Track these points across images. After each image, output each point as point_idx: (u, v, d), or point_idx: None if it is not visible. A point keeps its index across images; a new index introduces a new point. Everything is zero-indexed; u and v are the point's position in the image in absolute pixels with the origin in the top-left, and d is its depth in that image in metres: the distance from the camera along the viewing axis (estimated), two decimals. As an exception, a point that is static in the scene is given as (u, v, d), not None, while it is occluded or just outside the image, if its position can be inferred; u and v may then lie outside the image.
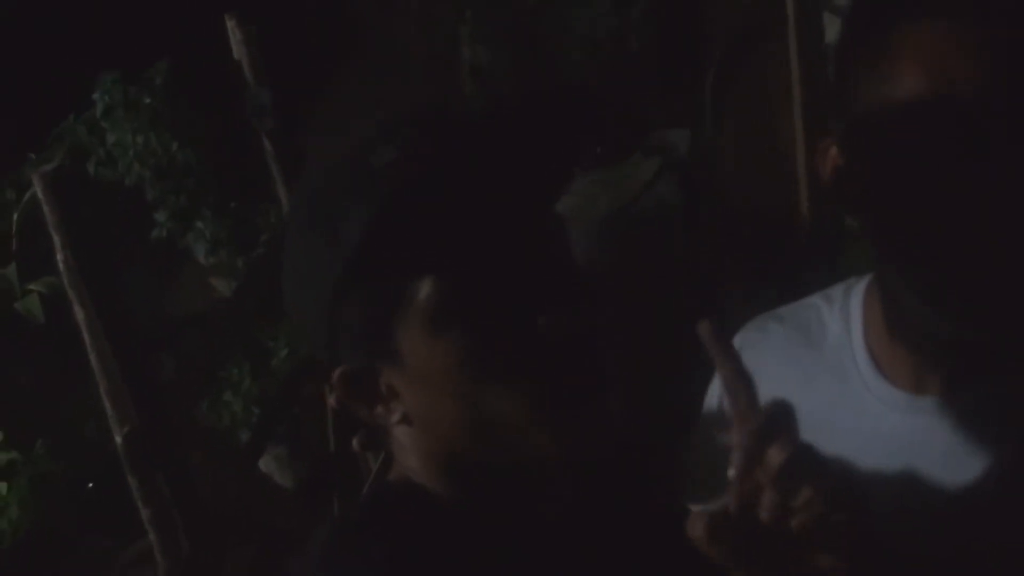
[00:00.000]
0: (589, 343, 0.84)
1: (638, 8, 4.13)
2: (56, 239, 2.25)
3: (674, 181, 4.05)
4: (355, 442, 0.93)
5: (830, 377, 1.03)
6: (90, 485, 3.41)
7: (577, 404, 0.84)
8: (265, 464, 3.26)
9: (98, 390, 2.48)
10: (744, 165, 3.61)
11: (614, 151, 4.07)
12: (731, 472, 0.81)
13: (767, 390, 1.07)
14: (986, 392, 0.96)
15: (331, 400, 0.88)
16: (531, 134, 0.86)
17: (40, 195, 2.22)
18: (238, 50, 3.13)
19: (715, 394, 1.16)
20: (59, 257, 2.28)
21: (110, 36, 3.33)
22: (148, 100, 3.10)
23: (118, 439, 2.42)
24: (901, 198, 0.87)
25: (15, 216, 3.25)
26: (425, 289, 0.80)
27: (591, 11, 4.25)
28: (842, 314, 1.05)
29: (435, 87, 4.63)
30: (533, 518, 0.91)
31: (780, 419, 0.81)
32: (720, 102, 3.56)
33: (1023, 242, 0.84)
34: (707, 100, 3.58)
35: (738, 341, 1.14)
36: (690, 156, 4.02)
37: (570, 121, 0.89)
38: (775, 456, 0.78)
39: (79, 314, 2.33)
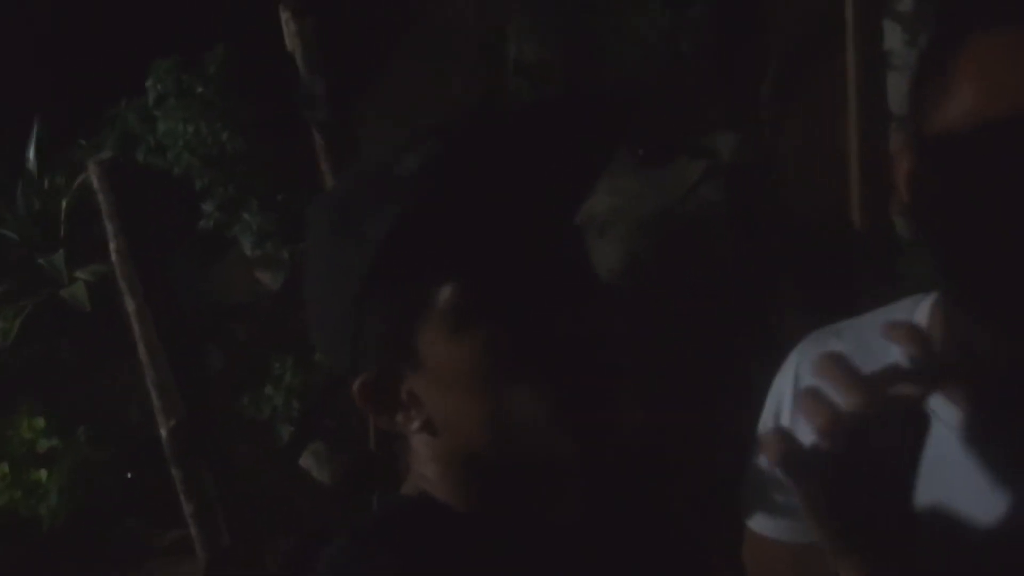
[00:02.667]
0: (609, 344, 0.84)
1: (693, 10, 4.09)
2: (109, 228, 2.25)
3: (719, 185, 4.02)
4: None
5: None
6: (129, 475, 3.41)
7: (597, 405, 0.84)
8: (303, 459, 3.24)
9: (144, 380, 2.47)
10: (799, 171, 3.57)
11: (659, 152, 4.04)
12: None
13: None
14: None
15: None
16: (555, 138, 0.84)
17: (95, 184, 2.21)
18: (291, 41, 3.11)
19: (771, 414, 1.14)
20: (112, 246, 2.27)
21: (163, 22, 3.32)
22: (201, 88, 3.09)
23: (163, 432, 2.41)
24: (964, 212, 0.86)
25: (63, 202, 3.26)
26: (445, 293, 0.80)
27: (644, 11, 4.21)
28: None
29: (482, 84, 4.62)
30: (547, 529, 0.90)
31: None
32: (777, 107, 3.52)
33: None
34: (764, 104, 3.53)
35: (796, 355, 1.13)
36: (737, 160, 3.99)
37: (597, 125, 0.88)
38: None
39: (129, 304, 2.33)
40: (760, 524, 1.17)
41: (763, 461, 1.15)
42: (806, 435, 1.07)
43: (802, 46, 3.44)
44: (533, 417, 0.82)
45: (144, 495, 3.37)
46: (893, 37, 3.31)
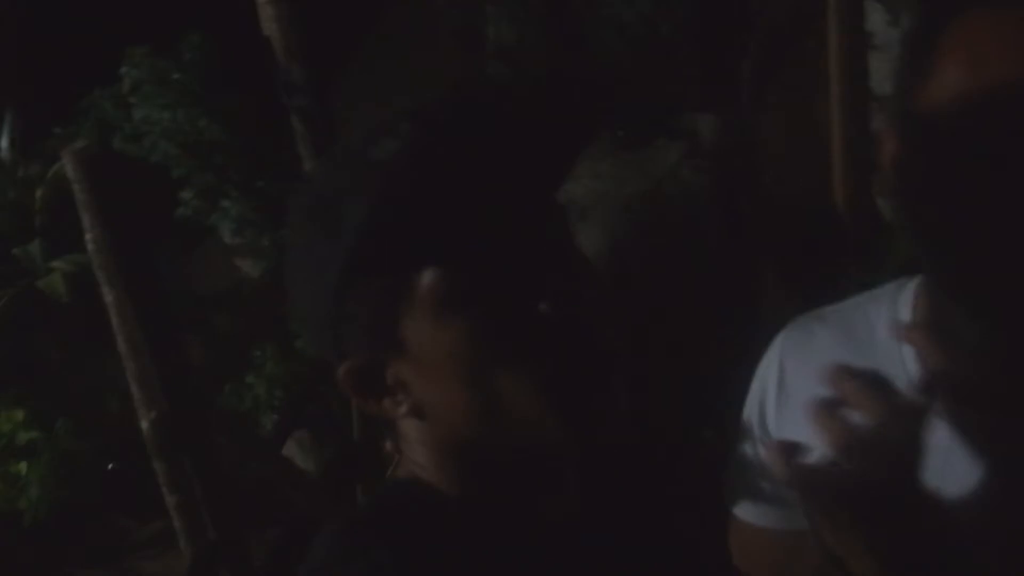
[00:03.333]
0: (594, 327, 0.84)
1: (673, -10, 4.07)
2: (85, 219, 2.22)
3: (700, 166, 4.02)
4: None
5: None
6: (111, 466, 3.39)
7: (583, 388, 0.83)
8: (287, 448, 3.23)
9: (124, 372, 2.45)
10: (781, 153, 3.56)
11: (638, 135, 4.04)
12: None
13: (812, 392, 1.05)
14: None
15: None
16: (533, 120, 0.85)
17: (70, 174, 2.18)
18: (268, 27, 3.07)
19: (755, 400, 1.13)
20: (88, 237, 2.24)
21: (138, 8, 3.28)
22: (177, 75, 3.05)
23: (144, 424, 2.39)
24: (947, 193, 0.86)
25: (39, 192, 3.21)
26: (428, 277, 0.80)
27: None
28: (890, 314, 1.03)
29: (461, 67, 4.59)
30: (540, 513, 0.91)
31: None
32: (759, 88, 3.51)
33: None
34: (745, 85, 3.53)
35: (780, 341, 1.12)
36: (718, 141, 3.98)
37: (577, 108, 0.88)
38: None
39: (107, 295, 2.30)
40: (745, 511, 1.17)
41: (747, 448, 1.15)
42: (795, 426, 1.07)
43: (784, 27, 3.43)
44: (518, 401, 0.82)
45: (126, 487, 3.35)
46: (875, 18, 3.30)
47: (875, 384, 0.87)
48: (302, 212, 0.85)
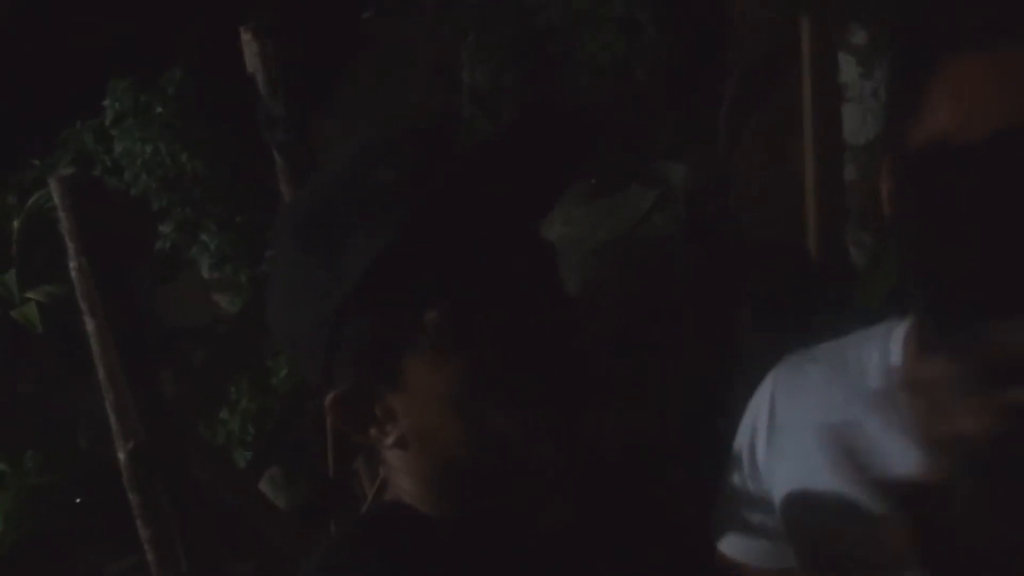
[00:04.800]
0: (585, 358, 0.85)
1: (646, 36, 4.13)
2: (70, 246, 2.21)
3: (672, 213, 4.06)
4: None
5: (874, 416, 0.99)
6: (78, 500, 3.34)
7: (576, 417, 0.85)
8: (262, 484, 3.20)
9: (97, 402, 2.43)
10: (755, 198, 3.61)
11: (611, 181, 4.08)
12: None
13: (804, 431, 1.05)
14: None
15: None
16: (527, 156, 0.85)
17: (56, 201, 2.17)
18: (252, 63, 3.09)
19: (745, 438, 1.14)
20: (72, 264, 2.23)
21: (120, 42, 3.29)
22: (160, 108, 3.06)
23: (121, 455, 2.36)
24: (939, 235, 0.86)
25: (15, 222, 3.20)
26: (434, 314, 0.80)
27: (597, 38, 4.25)
28: (881, 355, 1.03)
29: (436, 108, 4.62)
30: (529, 538, 0.91)
31: None
32: (733, 135, 3.57)
33: None
34: (720, 132, 3.58)
35: (773, 379, 1.13)
36: (689, 188, 4.03)
37: (562, 142, 0.89)
38: None
39: (89, 324, 2.28)
40: (731, 547, 1.17)
41: (736, 483, 1.15)
42: (785, 464, 1.08)
43: (759, 74, 3.49)
44: (513, 433, 0.83)
45: (95, 521, 3.30)
46: (848, 70, 3.37)
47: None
48: (294, 236, 0.84)
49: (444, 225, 0.79)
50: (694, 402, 3.12)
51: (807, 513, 1.07)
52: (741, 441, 1.15)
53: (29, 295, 3.20)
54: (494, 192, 0.82)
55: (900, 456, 0.97)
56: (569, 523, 0.94)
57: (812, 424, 1.05)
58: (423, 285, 0.79)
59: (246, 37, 3.06)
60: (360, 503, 3.23)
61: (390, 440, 0.85)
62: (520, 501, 0.89)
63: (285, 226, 0.86)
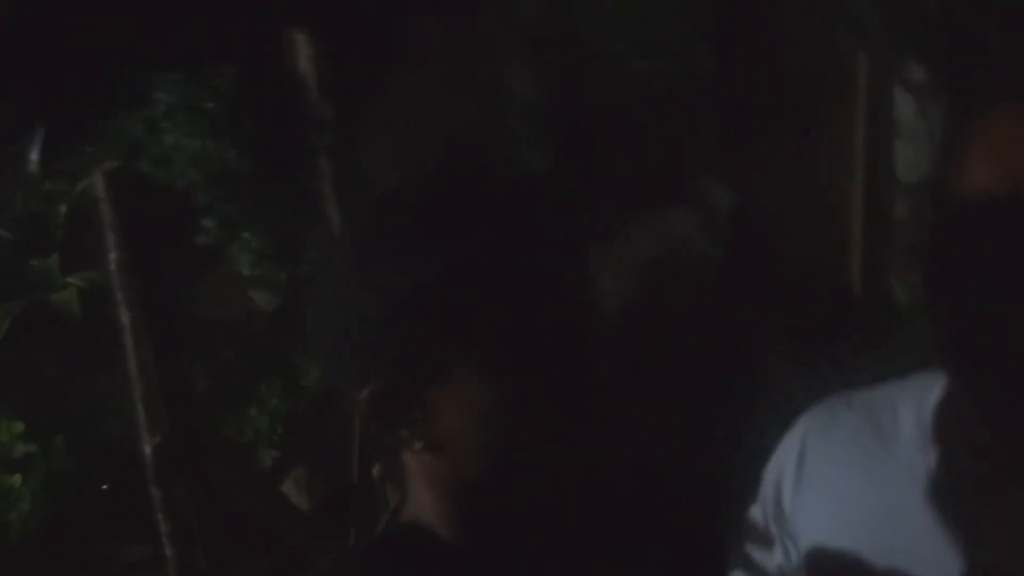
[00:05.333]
0: (611, 375, 0.87)
1: (699, 60, 4.11)
2: (111, 238, 2.23)
3: (715, 236, 4.04)
4: (375, 472, 0.95)
5: (902, 474, 1.00)
6: (104, 487, 3.36)
7: (600, 443, 0.88)
8: (284, 485, 3.21)
9: (129, 394, 2.44)
10: (799, 230, 3.58)
11: (654, 201, 4.06)
12: None
13: (834, 479, 1.05)
14: None
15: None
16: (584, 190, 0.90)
17: (99, 193, 2.19)
18: (304, 64, 3.12)
19: (772, 480, 1.12)
20: (111, 256, 2.25)
21: (173, 37, 3.31)
22: (211, 104, 3.08)
23: (147, 448, 2.38)
24: (972, 293, 0.85)
25: (63, 207, 3.23)
26: (494, 322, 0.82)
27: (650, 57, 4.24)
28: (917, 407, 1.01)
29: (484, 120, 4.63)
30: (540, 562, 0.91)
31: None
32: (780, 163, 3.54)
33: None
34: (767, 161, 3.55)
35: (805, 421, 1.11)
36: (734, 213, 4.00)
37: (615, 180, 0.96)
38: None
39: (124, 316, 2.30)
40: None
41: (758, 523, 1.14)
42: (812, 510, 1.07)
43: (811, 104, 3.46)
44: (547, 452, 0.85)
45: (117, 510, 3.32)
46: (903, 106, 3.33)
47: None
48: (359, 231, 0.89)
49: (521, 243, 0.83)
50: (715, 430, 3.09)
51: (832, 565, 1.04)
52: (768, 480, 1.13)
53: (69, 280, 3.23)
54: (557, 215, 0.87)
55: (922, 517, 0.96)
56: (574, 552, 0.94)
57: (842, 473, 1.05)
58: (492, 295, 0.82)
59: (299, 39, 3.09)
60: (381, 511, 3.23)
61: (420, 443, 0.86)
62: (529, 524, 0.90)
63: (349, 223, 0.90)
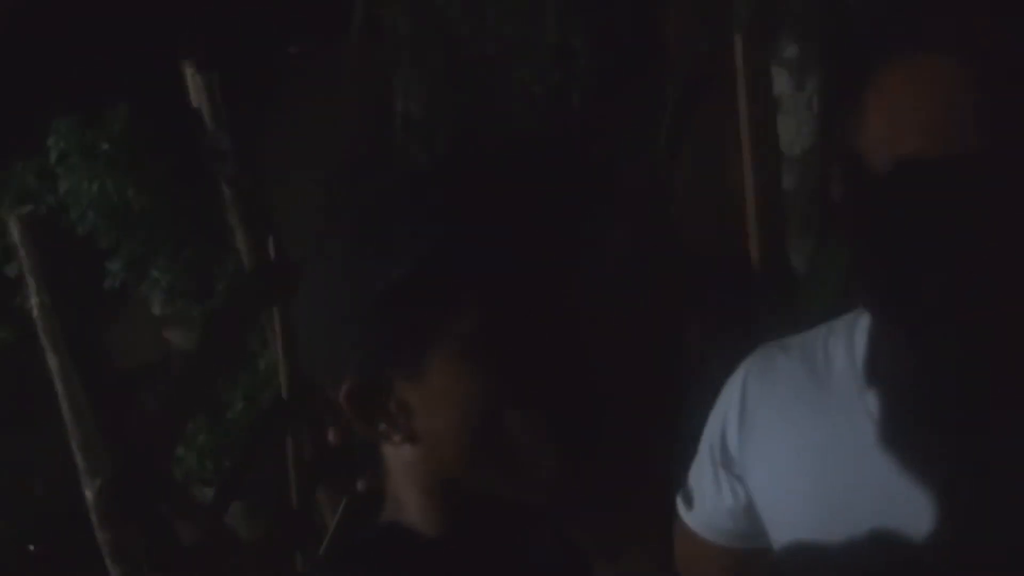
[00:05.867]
0: (597, 374, 0.87)
1: (580, 63, 4.18)
2: (31, 284, 2.18)
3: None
4: (331, 435, 0.94)
5: (839, 408, 1.06)
6: (31, 548, 3.27)
7: (590, 440, 0.87)
8: (228, 516, 3.16)
9: (59, 450, 2.39)
10: (697, 209, 3.68)
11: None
12: None
13: (776, 420, 1.11)
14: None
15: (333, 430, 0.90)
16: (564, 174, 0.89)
17: (16, 238, 2.15)
18: (196, 96, 3.08)
19: (717, 424, 1.17)
20: (34, 302, 2.20)
21: (61, 81, 3.25)
22: (106, 146, 3.03)
23: (89, 493, 2.32)
24: (883, 239, 0.91)
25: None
26: (470, 315, 0.82)
27: (532, 66, 4.29)
28: (847, 347, 1.08)
29: (369, 137, 4.63)
30: (519, 565, 0.92)
31: None
32: (674, 148, 3.64)
33: (987, 287, 0.88)
34: (661, 145, 3.65)
35: (745, 368, 1.17)
36: (626, 200, 4.08)
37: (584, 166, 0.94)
38: None
39: (52, 361, 2.25)
40: (699, 526, 1.22)
41: (706, 467, 1.19)
42: (757, 449, 1.12)
43: (695, 87, 3.57)
44: (521, 441, 0.84)
45: (48, 569, 3.23)
46: (781, 82, 3.47)
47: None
48: (343, 228, 0.87)
49: (494, 231, 0.83)
50: (649, 407, 3.15)
51: (781, 499, 1.11)
52: (713, 425, 1.18)
53: (-24, 337, 3.13)
54: (540, 210, 0.86)
55: (862, 445, 1.03)
56: (557, 553, 0.95)
57: (783, 411, 1.10)
58: (465, 284, 0.82)
59: (190, 71, 3.05)
60: (323, 533, 3.21)
61: (399, 436, 0.86)
62: (511, 522, 0.90)
63: (333, 220, 0.89)
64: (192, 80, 3.06)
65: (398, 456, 0.88)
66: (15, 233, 2.14)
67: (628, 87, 3.96)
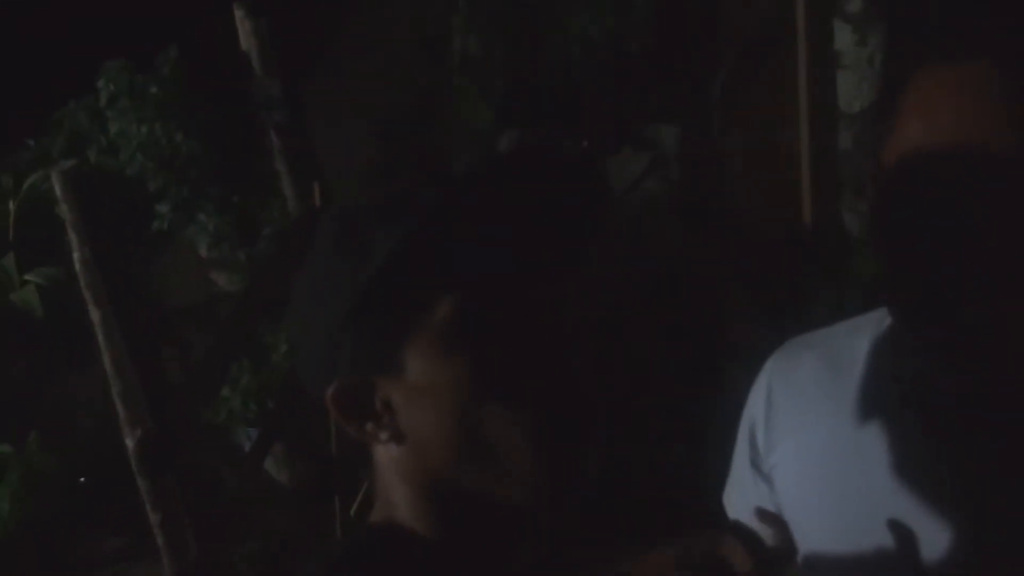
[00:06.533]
0: (587, 377, 0.85)
1: (639, 10, 4.11)
2: (73, 238, 2.21)
3: (665, 177, 4.07)
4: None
5: (862, 410, 1.04)
6: (82, 480, 3.36)
7: (570, 440, 0.85)
8: (267, 462, 3.22)
9: (99, 388, 2.44)
10: (750, 169, 3.62)
11: (604, 144, 4.07)
12: None
13: (800, 417, 1.10)
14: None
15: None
16: (547, 178, 0.87)
17: (59, 193, 2.17)
18: (246, 41, 3.08)
19: (746, 430, 1.17)
20: (76, 256, 2.23)
21: (113, 23, 3.26)
22: (154, 89, 3.04)
23: (129, 442, 2.37)
24: (911, 242, 0.90)
25: (11, 205, 3.17)
26: (444, 307, 0.82)
27: (590, 10, 4.22)
28: (871, 346, 1.06)
29: (425, 79, 4.60)
30: (512, 562, 0.91)
31: None
32: (729, 105, 3.57)
33: (1014, 296, 0.86)
34: (715, 102, 3.58)
35: (770, 366, 1.16)
36: (682, 153, 4.03)
37: (583, 163, 0.91)
38: None
39: (94, 314, 2.28)
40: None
41: (743, 468, 1.18)
42: (782, 449, 1.11)
43: (753, 45, 3.49)
44: (508, 441, 0.83)
45: (95, 502, 3.32)
46: (843, 37, 3.37)
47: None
48: (328, 236, 0.87)
49: (467, 228, 0.82)
50: (689, 379, 3.13)
51: (804, 501, 1.10)
52: (744, 426, 1.18)
53: (28, 277, 3.19)
54: (516, 198, 0.85)
55: (887, 445, 1.01)
56: (547, 554, 0.95)
57: (807, 410, 1.09)
58: (437, 278, 0.82)
59: (240, 15, 3.05)
60: (362, 483, 3.25)
61: (385, 435, 0.86)
62: (502, 523, 0.89)
63: (323, 229, 0.89)
64: (242, 25, 3.06)
65: (387, 455, 0.88)
66: (57, 188, 2.16)
67: (687, 39, 3.88)
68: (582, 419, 0.86)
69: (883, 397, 1.02)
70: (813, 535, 1.09)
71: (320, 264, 0.87)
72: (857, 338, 1.08)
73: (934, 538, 0.98)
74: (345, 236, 0.85)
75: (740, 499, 1.20)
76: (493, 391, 0.83)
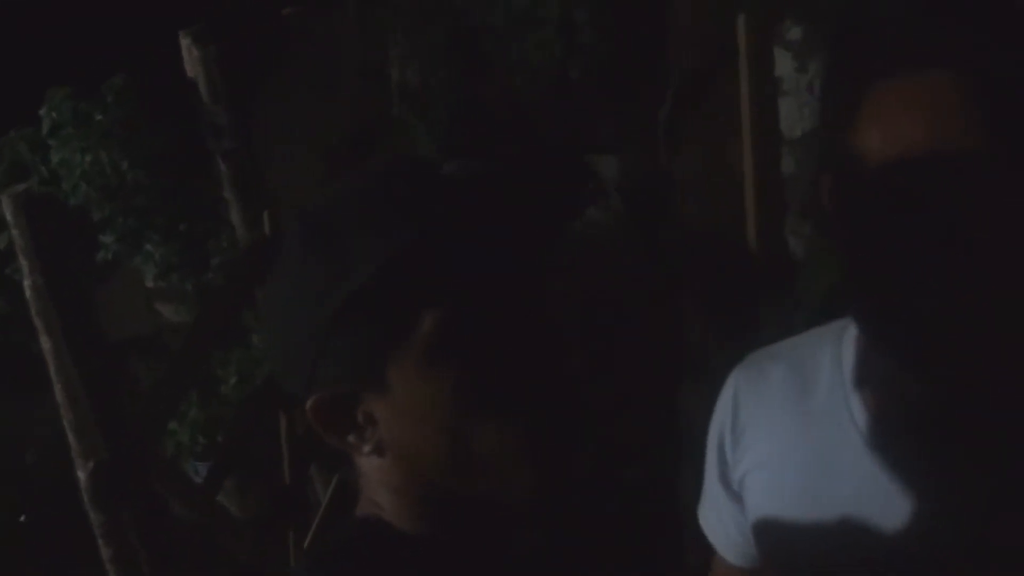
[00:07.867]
0: (574, 386, 0.85)
1: (582, 38, 4.14)
2: (24, 265, 2.16)
3: (605, 205, 4.10)
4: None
5: (826, 420, 1.05)
6: (22, 518, 3.26)
7: (562, 447, 0.85)
8: (221, 494, 3.16)
9: (47, 421, 2.38)
10: (695, 192, 3.66)
11: (546, 173, 4.09)
12: None
13: (766, 429, 1.11)
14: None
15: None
16: (531, 185, 0.87)
17: (10, 218, 2.12)
18: (193, 69, 3.05)
19: (714, 442, 1.17)
20: (27, 283, 2.18)
21: (56, 50, 3.21)
22: (99, 116, 2.99)
23: (81, 474, 2.32)
24: (873, 253, 0.90)
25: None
26: (428, 322, 0.80)
27: (533, 37, 4.25)
28: (833, 356, 1.07)
29: (368, 107, 4.60)
30: (501, 558, 0.91)
31: None
32: (675, 129, 3.61)
33: (978, 303, 0.86)
34: (662, 128, 3.62)
35: (735, 378, 1.17)
36: (623, 181, 4.07)
37: (560, 173, 0.93)
38: None
39: (45, 343, 2.23)
40: (717, 540, 1.22)
41: (712, 477, 1.19)
42: (749, 460, 1.12)
43: (697, 72, 3.54)
44: (495, 453, 0.83)
45: (42, 537, 3.23)
46: (783, 64, 3.43)
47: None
48: (302, 240, 0.84)
49: (449, 237, 0.80)
50: (649, 398, 3.15)
51: (772, 512, 1.10)
52: (712, 440, 1.18)
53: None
54: (502, 212, 0.84)
55: (852, 454, 1.02)
56: (536, 550, 0.95)
57: (773, 422, 1.10)
58: (421, 292, 0.80)
59: (186, 43, 3.02)
60: (315, 510, 3.21)
61: (367, 447, 0.85)
62: (490, 524, 0.90)
63: (294, 231, 0.86)
64: (189, 52, 3.03)
65: (369, 464, 0.88)
66: (7, 212, 2.11)
67: (630, 65, 3.92)
68: (573, 421, 0.85)
69: (849, 406, 1.03)
70: (783, 545, 1.09)
71: (294, 270, 0.85)
72: (821, 347, 1.09)
73: (903, 545, 0.98)
74: (319, 240, 0.82)
75: (713, 513, 1.20)
76: (482, 403, 0.82)
